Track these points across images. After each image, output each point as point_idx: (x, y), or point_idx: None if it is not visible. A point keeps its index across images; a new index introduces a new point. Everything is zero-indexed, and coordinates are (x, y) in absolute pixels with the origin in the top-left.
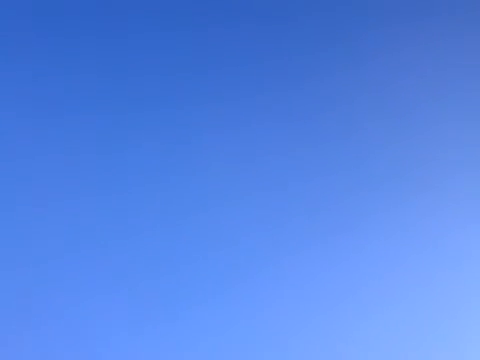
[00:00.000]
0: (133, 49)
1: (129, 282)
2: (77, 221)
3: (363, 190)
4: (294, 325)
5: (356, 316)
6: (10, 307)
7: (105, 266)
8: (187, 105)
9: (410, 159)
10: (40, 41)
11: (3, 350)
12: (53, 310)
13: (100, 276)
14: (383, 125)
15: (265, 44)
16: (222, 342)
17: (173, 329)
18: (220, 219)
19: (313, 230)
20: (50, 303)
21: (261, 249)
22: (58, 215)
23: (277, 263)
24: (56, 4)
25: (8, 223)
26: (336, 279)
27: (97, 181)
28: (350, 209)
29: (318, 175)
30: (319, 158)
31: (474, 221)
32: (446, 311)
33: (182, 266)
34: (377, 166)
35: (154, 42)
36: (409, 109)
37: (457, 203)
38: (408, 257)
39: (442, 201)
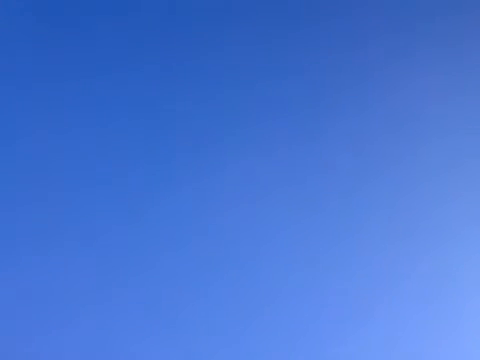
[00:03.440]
0: (131, 49)
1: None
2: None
3: (368, 192)
4: (297, 327)
5: (359, 317)
6: (15, 306)
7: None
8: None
9: (411, 161)
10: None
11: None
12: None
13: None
14: (389, 127)
15: (270, 48)
16: (221, 342)
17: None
18: (221, 220)
19: (315, 229)
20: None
21: (260, 248)
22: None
23: (275, 261)
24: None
25: (10, 221)
26: (340, 281)
27: (99, 179)
28: (352, 210)
29: (323, 182)
30: (322, 160)
31: (474, 221)
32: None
33: (182, 265)
34: (380, 168)
35: (153, 43)
36: (415, 111)
37: (458, 202)
38: (409, 259)
39: (444, 201)
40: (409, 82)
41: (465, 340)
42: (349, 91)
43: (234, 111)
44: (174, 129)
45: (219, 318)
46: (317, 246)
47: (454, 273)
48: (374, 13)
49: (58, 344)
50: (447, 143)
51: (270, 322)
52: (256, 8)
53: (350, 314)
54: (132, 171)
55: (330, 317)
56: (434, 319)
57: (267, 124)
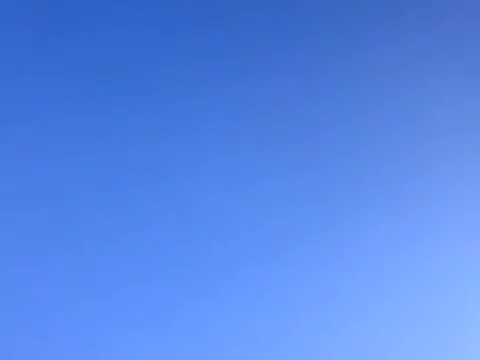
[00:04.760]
0: (122, 46)
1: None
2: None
3: (360, 187)
4: (292, 322)
5: (354, 312)
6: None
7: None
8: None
9: (408, 154)
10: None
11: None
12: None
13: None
14: (384, 118)
15: (266, 37)
16: (221, 340)
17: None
18: (218, 211)
19: (311, 224)
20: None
21: (258, 243)
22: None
23: (275, 257)
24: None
25: (9, 223)
26: (334, 276)
27: (99, 180)
28: (349, 205)
29: (316, 170)
30: (316, 153)
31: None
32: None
33: (182, 262)
34: (375, 161)
35: (148, 37)
36: (410, 102)
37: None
38: (409, 258)
39: (445, 203)
40: (411, 81)
41: (466, 341)
42: (348, 90)
43: (231, 107)
44: (170, 126)
45: (213, 316)
46: (315, 246)
47: (458, 274)
48: (373, 13)
49: (53, 342)
50: (451, 140)
51: (268, 321)
52: (255, 9)
53: (348, 314)
54: (127, 171)
55: (327, 317)
56: (436, 322)
57: (266, 120)
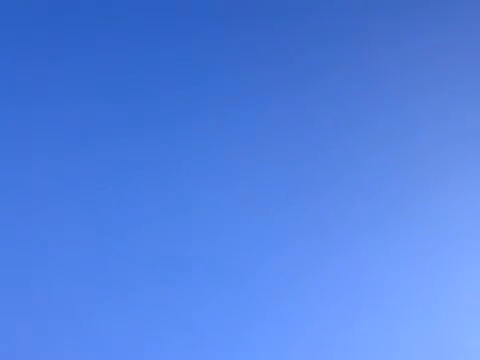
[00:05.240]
0: (130, 49)
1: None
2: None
3: (363, 190)
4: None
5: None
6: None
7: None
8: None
9: (412, 157)
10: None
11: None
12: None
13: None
14: (384, 123)
15: (264, 44)
16: (223, 342)
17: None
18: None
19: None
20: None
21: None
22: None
23: (277, 261)
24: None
25: (9, 220)
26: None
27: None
28: (352, 211)
29: (318, 174)
30: (318, 157)
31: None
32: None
33: (183, 266)
34: (379, 165)
35: (150, 45)
36: (410, 107)
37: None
38: (411, 261)
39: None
40: (404, 70)
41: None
42: (344, 81)
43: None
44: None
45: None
46: (313, 247)
47: (453, 270)
48: (369, 7)
49: (59, 346)
50: (444, 134)
51: (268, 320)
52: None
53: (345, 313)
54: (126, 171)
55: (325, 316)
56: (432, 317)
57: (261, 125)
